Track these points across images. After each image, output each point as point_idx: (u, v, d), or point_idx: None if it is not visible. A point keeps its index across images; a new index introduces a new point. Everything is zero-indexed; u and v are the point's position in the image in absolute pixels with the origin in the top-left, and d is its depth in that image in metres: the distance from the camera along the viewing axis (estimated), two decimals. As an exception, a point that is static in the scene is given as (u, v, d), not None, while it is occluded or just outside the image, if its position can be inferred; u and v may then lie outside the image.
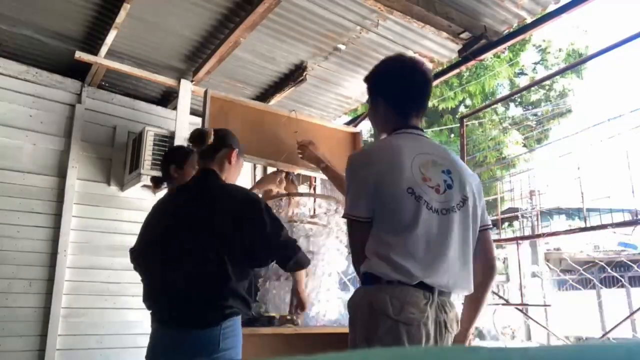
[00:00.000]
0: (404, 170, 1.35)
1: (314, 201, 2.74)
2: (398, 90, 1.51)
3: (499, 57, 10.28)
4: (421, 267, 1.30)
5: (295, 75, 3.55)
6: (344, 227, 2.29)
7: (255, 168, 4.33)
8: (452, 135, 12.63)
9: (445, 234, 1.35)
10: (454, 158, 1.49)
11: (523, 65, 12.45)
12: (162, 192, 2.34)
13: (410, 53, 3.34)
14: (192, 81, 3.60)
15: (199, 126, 2.37)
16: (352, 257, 1.46)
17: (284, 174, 2.60)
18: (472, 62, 3.23)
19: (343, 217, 1.46)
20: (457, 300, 1.46)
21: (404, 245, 1.31)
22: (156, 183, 2.42)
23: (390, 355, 0.33)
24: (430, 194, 1.35)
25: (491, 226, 1.58)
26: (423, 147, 1.45)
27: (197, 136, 1.83)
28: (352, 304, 1.40)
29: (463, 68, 3.49)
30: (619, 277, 7.46)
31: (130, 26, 2.99)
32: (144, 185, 3.54)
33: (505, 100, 11.82)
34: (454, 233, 1.36)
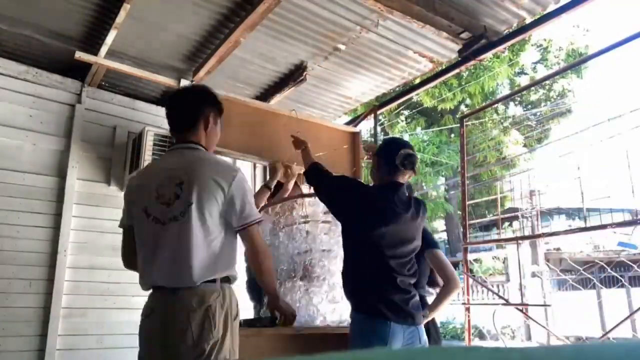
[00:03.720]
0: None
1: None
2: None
3: (498, 57, 10.28)
4: None
5: (295, 75, 3.55)
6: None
7: (255, 167, 4.33)
8: (452, 135, 12.62)
9: None
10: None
11: (522, 65, 12.45)
12: None
13: (410, 53, 3.34)
14: (192, 81, 3.60)
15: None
16: None
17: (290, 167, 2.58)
18: (472, 62, 3.23)
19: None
20: None
21: None
22: None
23: (390, 356, 0.33)
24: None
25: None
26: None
27: None
28: None
29: (463, 68, 3.49)
30: (619, 277, 7.46)
31: (130, 26, 2.98)
32: (144, 185, 3.53)
33: (505, 100, 11.82)
34: None
